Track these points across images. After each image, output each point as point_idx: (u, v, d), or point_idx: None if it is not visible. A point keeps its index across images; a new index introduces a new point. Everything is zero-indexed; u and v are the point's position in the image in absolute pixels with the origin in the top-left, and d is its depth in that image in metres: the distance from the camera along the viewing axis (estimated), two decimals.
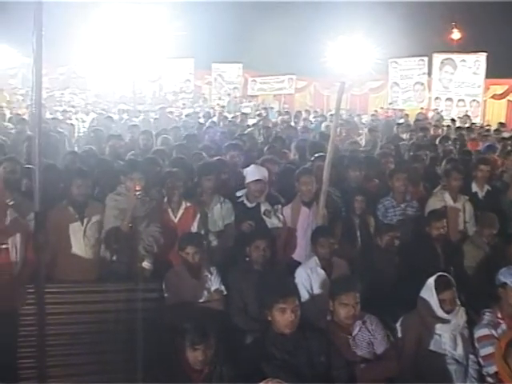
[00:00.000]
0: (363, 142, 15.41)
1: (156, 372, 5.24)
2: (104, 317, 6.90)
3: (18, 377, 6.61)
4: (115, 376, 6.66)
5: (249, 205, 7.96)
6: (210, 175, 7.87)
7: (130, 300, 6.81)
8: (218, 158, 8.95)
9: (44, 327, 6.56)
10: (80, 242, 7.13)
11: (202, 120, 19.17)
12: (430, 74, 31.12)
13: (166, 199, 7.56)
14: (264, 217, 7.88)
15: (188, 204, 7.57)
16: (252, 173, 8.03)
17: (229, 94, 32.90)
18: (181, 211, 7.53)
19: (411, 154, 11.66)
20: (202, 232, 7.47)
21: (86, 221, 7.14)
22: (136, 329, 6.47)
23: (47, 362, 6.67)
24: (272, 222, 7.90)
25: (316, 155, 9.25)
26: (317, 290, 7.00)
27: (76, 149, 11.49)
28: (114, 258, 7.15)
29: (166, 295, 6.85)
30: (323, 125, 18.42)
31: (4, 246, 6.29)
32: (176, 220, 7.52)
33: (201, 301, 6.82)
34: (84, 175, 7.30)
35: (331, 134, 7.79)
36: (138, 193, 6.91)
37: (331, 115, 21.95)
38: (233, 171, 8.78)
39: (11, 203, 6.73)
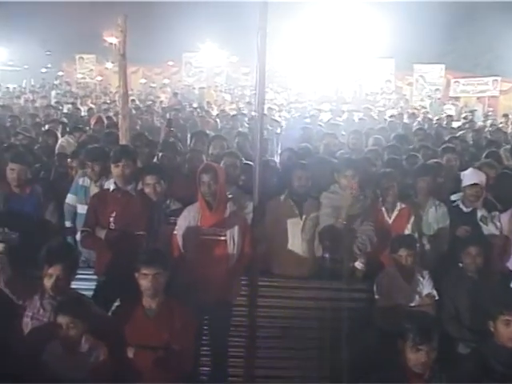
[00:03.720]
0: None
1: (372, 373, 5.17)
2: (315, 314, 6.99)
3: (226, 363, 6.80)
4: (321, 372, 6.71)
5: (464, 209, 7.73)
6: (426, 176, 7.71)
7: (339, 299, 6.83)
8: (435, 160, 8.75)
9: (255, 319, 6.74)
10: (298, 236, 7.20)
11: (406, 121, 18.84)
12: None
13: (380, 199, 7.47)
14: (480, 223, 7.62)
15: (403, 205, 7.44)
16: (469, 176, 7.79)
17: (430, 96, 32.16)
18: (395, 212, 7.41)
19: None
20: (416, 234, 7.30)
21: (304, 216, 7.21)
22: (343, 328, 6.46)
23: (256, 352, 6.85)
24: (488, 228, 7.63)
25: None
26: None
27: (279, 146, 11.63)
28: (327, 255, 7.15)
29: (376, 297, 6.79)
30: None
31: (222, 238, 6.45)
32: (390, 221, 7.41)
33: (412, 305, 6.70)
34: (304, 168, 7.39)
35: None
36: (353, 191, 6.90)
37: None
38: (448, 174, 8.54)
39: (230, 196, 6.92)
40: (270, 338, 7.05)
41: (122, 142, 7.48)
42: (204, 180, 6.41)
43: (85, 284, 6.53)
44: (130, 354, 5.45)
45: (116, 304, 6.42)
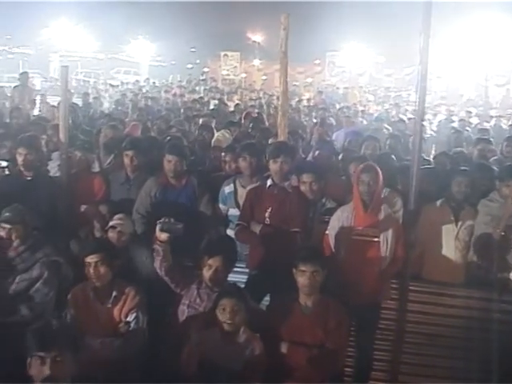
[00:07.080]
0: None
1: None
2: (464, 323, 6.84)
3: (370, 366, 6.78)
4: None
5: None
6: None
7: (490, 309, 6.64)
8: None
9: (403, 323, 6.70)
10: (451, 244, 7.07)
11: None
12: None
13: None
14: None
15: None
16: None
17: None
18: None
19: None
20: None
21: (460, 223, 7.07)
22: (493, 340, 6.29)
23: (401, 358, 6.77)
24: None
25: None
26: None
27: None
28: (480, 264, 6.99)
29: None
30: None
31: (376, 239, 6.40)
32: None
33: None
34: (465, 174, 7.26)
35: None
36: None
37: None
38: None
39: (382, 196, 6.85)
40: (416, 344, 6.93)
41: (280, 138, 7.54)
42: (364, 179, 6.37)
43: (234, 276, 6.58)
44: (284, 349, 5.50)
45: (266, 299, 6.53)
